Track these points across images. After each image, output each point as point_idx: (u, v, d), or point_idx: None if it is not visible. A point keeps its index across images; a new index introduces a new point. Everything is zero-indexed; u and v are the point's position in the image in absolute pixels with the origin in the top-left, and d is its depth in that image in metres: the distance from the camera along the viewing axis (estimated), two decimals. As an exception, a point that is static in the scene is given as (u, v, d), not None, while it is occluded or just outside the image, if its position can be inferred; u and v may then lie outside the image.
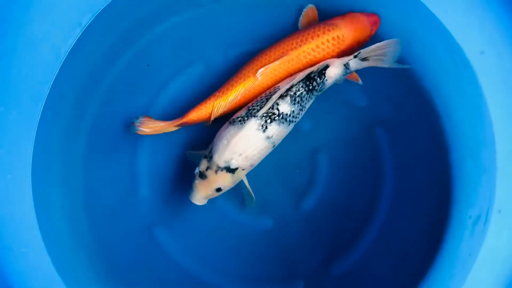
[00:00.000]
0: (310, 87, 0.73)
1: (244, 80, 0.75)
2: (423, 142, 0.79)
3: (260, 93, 0.76)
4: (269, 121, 0.71)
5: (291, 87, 0.72)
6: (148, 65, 0.81)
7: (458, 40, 0.72)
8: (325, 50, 0.74)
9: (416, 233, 0.79)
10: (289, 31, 0.80)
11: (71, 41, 0.73)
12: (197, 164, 0.74)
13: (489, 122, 0.72)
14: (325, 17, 0.78)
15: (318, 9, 0.79)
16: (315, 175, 0.82)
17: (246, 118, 0.72)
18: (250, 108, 0.73)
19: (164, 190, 0.82)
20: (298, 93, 0.72)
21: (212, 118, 0.76)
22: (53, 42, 0.72)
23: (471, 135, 0.75)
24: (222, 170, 0.72)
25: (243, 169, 0.73)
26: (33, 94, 0.72)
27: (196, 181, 0.73)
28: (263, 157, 0.75)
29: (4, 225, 0.72)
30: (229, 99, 0.75)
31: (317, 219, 0.82)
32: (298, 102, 0.73)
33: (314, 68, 0.73)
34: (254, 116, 0.71)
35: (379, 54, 0.73)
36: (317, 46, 0.74)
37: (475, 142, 0.74)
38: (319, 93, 0.75)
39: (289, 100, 0.72)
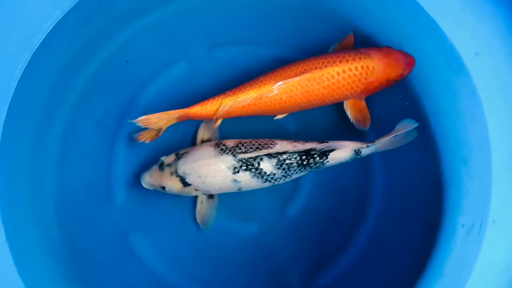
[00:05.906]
0: (304, 163, 0.71)
1: (259, 87, 0.72)
2: (414, 147, 0.78)
3: (274, 107, 0.73)
4: (244, 167, 0.70)
5: (284, 152, 0.70)
6: (127, 61, 0.79)
7: (452, 41, 0.72)
8: (351, 78, 0.71)
9: (405, 241, 0.79)
10: (277, 31, 0.80)
11: (42, 35, 0.71)
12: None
13: (483, 127, 0.72)
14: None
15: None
16: (301, 180, 0.81)
17: (227, 152, 0.71)
18: (239, 143, 0.72)
19: (140, 195, 0.80)
20: (287, 161, 0.70)
21: (216, 116, 0.74)
22: (22, 36, 0.70)
23: (464, 140, 0.75)
24: (177, 176, 0.72)
25: (196, 190, 0.73)
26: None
27: (155, 167, 0.74)
28: (222, 192, 0.74)
29: (-34, 232, 0.69)
30: (238, 100, 0.72)
31: (303, 226, 0.81)
32: (284, 169, 0.71)
33: (317, 146, 0.70)
34: (233, 155, 0.70)
35: (395, 140, 0.72)
36: (343, 71, 0.71)
37: (468, 147, 0.74)
38: (315, 170, 0.72)
39: (275, 163, 0.70)
